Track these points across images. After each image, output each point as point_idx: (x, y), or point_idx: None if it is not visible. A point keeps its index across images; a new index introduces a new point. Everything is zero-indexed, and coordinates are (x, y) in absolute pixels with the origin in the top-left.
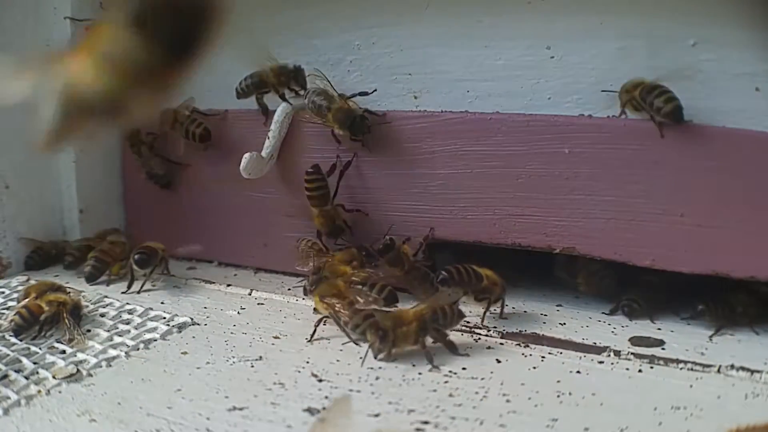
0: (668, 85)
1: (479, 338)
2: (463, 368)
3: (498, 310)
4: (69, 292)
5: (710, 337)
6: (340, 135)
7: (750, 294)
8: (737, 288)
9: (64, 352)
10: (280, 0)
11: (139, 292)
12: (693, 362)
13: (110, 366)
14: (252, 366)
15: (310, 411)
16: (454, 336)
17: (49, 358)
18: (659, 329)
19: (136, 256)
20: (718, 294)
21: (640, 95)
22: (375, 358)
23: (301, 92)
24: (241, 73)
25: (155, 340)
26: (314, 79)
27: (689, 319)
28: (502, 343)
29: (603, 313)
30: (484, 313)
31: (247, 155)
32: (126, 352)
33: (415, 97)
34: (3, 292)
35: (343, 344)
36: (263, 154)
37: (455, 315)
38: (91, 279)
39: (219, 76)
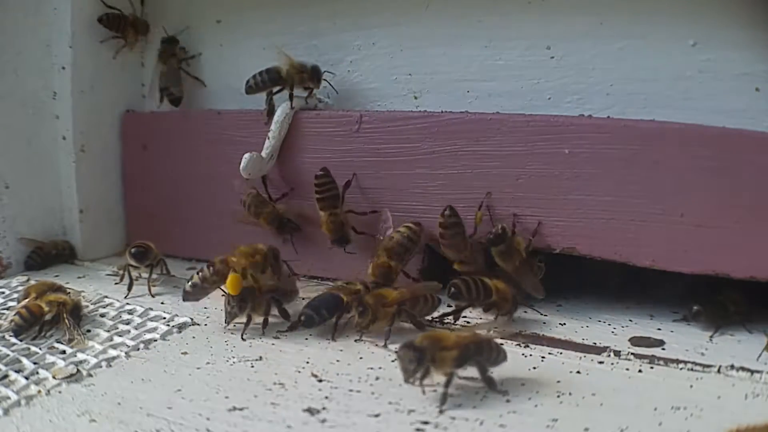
0: None
1: None
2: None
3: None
4: (69, 292)
5: (710, 337)
6: None
7: (738, 291)
8: (729, 287)
9: (64, 352)
10: (280, 0)
11: (153, 296)
12: (693, 362)
13: (110, 366)
14: (252, 366)
15: (310, 411)
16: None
17: (49, 358)
18: (659, 329)
19: (132, 250)
20: (711, 294)
21: None
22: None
23: (314, 92)
24: (241, 73)
25: (155, 341)
26: None
27: (683, 320)
28: (502, 343)
29: (603, 313)
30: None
31: (247, 155)
32: (126, 353)
33: (415, 97)
34: (3, 292)
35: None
36: (263, 154)
37: (433, 302)
38: None
39: (219, 76)
